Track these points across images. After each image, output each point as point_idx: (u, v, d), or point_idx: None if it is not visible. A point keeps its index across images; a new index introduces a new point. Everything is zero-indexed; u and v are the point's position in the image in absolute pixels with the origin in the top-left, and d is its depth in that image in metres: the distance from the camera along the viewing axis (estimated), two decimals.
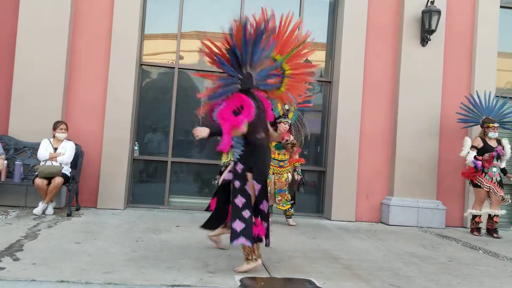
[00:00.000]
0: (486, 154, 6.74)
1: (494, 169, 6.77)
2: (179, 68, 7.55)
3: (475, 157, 6.74)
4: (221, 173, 5.80)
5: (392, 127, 7.65)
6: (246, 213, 3.83)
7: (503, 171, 6.92)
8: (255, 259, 3.89)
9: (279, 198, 6.48)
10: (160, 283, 3.38)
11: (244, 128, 3.71)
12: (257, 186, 3.94)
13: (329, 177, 7.62)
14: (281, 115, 6.51)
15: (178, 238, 5.12)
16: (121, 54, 7.00)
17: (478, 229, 6.92)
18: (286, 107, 6.59)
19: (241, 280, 3.61)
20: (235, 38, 3.75)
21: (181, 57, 7.65)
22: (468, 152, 6.82)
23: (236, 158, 3.90)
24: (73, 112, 6.97)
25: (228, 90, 3.85)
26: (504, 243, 6.44)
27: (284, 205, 6.51)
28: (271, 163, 6.32)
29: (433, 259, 4.98)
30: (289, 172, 6.53)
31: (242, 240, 3.77)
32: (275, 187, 6.45)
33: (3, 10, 6.94)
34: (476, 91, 7.36)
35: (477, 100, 7.15)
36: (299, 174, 6.61)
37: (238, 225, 3.79)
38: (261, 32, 3.79)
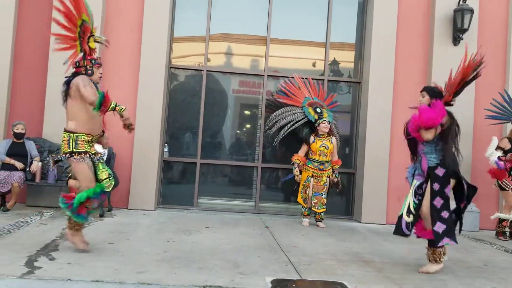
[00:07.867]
0: (509, 154, 6.41)
1: None
2: (207, 70, 7.61)
3: (498, 158, 6.43)
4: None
5: None
6: (445, 214, 4.19)
7: None
8: (441, 260, 4.25)
9: (315, 201, 6.53)
10: (192, 284, 3.40)
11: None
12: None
13: (359, 179, 7.53)
14: (316, 118, 6.61)
15: (208, 239, 5.15)
16: (151, 57, 7.11)
17: (504, 233, 6.63)
18: (318, 110, 6.67)
19: (272, 282, 3.60)
20: None
21: (208, 59, 7.69)
22: (492, 153, 6.51)
23: (435, 163, 4.28)
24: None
25: None
26: None
27: (320, 208, 6.53)
28: (311, 165, 6.38)
29: (467, 262, 4.87)
30: (328, 176, 6.57)
31: (446, 240, 4.15)
32: (313, 189, 6.50)
33: (38, 19, 7.14)
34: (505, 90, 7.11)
35: None
36: (336, 177, 6.63)
37: (440, 227, 4.15)
38: None
